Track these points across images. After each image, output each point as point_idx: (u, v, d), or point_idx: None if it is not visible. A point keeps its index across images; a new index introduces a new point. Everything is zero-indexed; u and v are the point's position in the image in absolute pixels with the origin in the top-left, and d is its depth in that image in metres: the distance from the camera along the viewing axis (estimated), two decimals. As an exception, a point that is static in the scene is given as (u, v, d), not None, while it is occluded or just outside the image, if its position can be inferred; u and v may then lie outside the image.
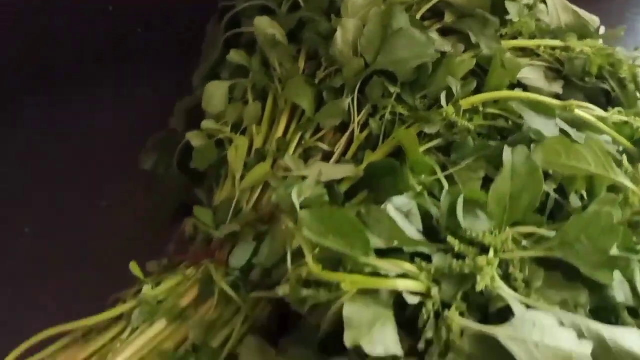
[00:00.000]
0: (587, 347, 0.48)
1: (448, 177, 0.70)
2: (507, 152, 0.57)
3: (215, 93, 0.79)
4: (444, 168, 0.73)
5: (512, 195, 0.56)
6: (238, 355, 0.67)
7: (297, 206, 0.56)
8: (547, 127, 0.70)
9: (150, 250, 0.78)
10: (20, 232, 0.92)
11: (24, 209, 0.93)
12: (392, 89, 0.74)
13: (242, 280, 0.69)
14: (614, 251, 0.53)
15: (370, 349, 0.49)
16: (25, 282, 0.86)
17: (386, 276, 0.52)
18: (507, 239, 0.56)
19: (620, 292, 0.55)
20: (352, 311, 0.51)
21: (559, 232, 0.54)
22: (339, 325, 0.57)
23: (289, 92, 0.75)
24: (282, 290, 0.55)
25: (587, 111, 0.75)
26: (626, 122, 0.73)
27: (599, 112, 0.73)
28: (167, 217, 0.90)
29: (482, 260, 0.53)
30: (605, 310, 0.55)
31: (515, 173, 0.57)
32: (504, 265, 0.56)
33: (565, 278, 0.57)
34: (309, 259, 0.55)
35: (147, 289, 0.68)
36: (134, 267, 0.72)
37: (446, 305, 0.53)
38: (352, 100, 0.74)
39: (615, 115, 0.73)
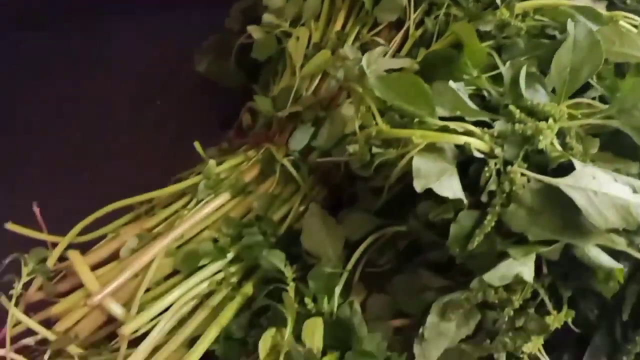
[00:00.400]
0: (642, 198, 0.52)
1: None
2: (570, 24, 0.60)
3: (275, -12, 0.82)
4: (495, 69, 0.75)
5: (572, 67, 0.59)
6: (296, 230, 0.71)
7: (367, 72, 0.59)
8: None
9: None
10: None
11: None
12: (449, -11, 0.76)
13: (301, 162, 0.73)
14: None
15: (439, 190, 0.53)
16: (81, 169, 0.90)
17: (454, 131, 0.55)
18: (565, 109, 0.59)
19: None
20: (421, 162, 0.55)
21: (616, 99, 0.57)
22: (403, 183, 0.61)
23: (348, -15, 0.78)
24: (352, 148, 0.59)
25: (631, 22, 0.77)
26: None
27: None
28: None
29: (542, 124, 0.56)
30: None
31: (577, 45, 0.59)
32: (560, 137, 0.60)
33: (618, 153, 0.60)
34: (378, 119, 0.58)
35: (211, 163, 0.71)
36: (197, 146, 0.75)
37: (507, 164, 0.56)
38: (409, -3, 0.77)
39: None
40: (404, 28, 0.78)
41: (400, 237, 0.67)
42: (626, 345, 0.58)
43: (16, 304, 0.64)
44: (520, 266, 0.52)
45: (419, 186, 0.53)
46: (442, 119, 0.59)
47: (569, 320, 0.59)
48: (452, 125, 0.57)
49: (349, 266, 0.65)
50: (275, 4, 0.81)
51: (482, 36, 0.77)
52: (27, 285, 0.66)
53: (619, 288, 0.57)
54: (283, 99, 0.75)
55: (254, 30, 0.80)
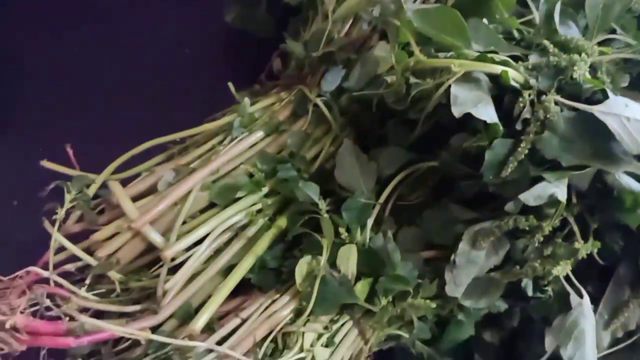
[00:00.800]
0: (673, 126, 0.54)
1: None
2: (603, -38, 0.62)
3: None
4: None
5: (604, 3, 0.61)
6: (327, 169, 0.73)
7: (405, 5, 0.61)
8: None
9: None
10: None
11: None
12: None
13: (332, 103, 0.75)
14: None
15: (477, 114, 0.55)
16: (113, 113, 0.93)
17: (492, 60, 0.57)
18: (596, 46, 0.60)
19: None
20: (458, 90, 0.57)
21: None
22: (437, 117, 0.63)
23: None
24: (390, 79, 0.60)
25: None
26: None
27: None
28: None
29: (576, 56, 0.58)
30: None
31: (610, -17, 0.61)
32: (592, 72, 0.61)
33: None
34: (416, 50, 0.60)
35: (246, 101, 0.73)
36: (231, 86, 0.77)
37: (541, 94, 0.58)
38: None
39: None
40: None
41: (432, 172, 0.69)
42: (650, 274, 0.60)
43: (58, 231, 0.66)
44: (554, 188, 0.53)
45: (457, 112, 0.55)
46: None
47: (594, 252, 0.61)
48: (489, 55, 0.58)
49: (382, 199, 0.67)
50: (307, -49, 0.82)
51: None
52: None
53: None
54: (315, 42, 0.77)
55: (285, -24, 0.82)
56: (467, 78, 0.58)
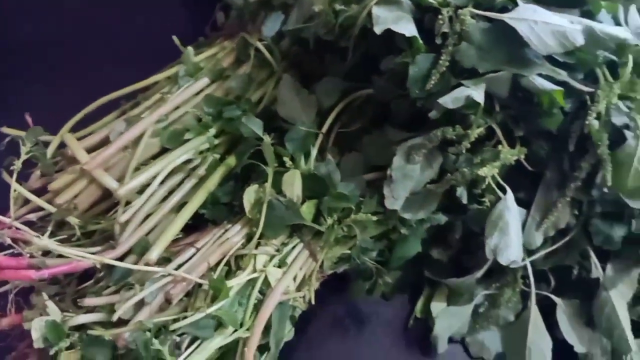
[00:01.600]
0: (578, 27, 0.58)
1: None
2: None
3: None
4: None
5: None
6: (272, 110, 0.76)
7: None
8: None
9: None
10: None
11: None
12: None
13: (274, 47, 0.78)
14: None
15: (397, 29, 0.58)
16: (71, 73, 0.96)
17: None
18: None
19: None
20: (380, 11, 0.60)
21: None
22: (366, 45, 0.66)
23: None
24: (318, 7, 0.64)
25: None
26: None
27: None
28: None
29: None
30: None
31: None
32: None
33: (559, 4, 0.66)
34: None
35: (189, 49, 0.76)
36: (175, 40, 0.80)
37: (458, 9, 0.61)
38: None
39: None
40: None
41: (370, 101, 0.72)
42: (573, 174, 0.64)
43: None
44: (471, 91, 0.57)
45: (378, 29, 0.59)
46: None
47: (522, 159, 0.65)
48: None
49: (324, 129, 0.71)
50: None
51: None
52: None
53: (563, 122, 0.64)
54: (253, -9, 0.80)
55: None
56: (389, 1, 0.62)
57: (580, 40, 0.57)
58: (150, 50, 0.95)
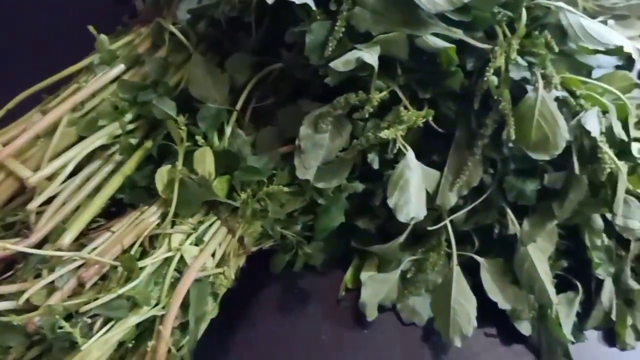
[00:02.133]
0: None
1: None
2: None
3: None
4: None
5: None
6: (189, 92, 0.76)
7: None
8: None
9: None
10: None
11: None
12: None
13: (189, 30, 0.78)
14: None
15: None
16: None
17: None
18: None
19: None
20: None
21: None
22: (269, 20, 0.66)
23: None
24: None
25: None
26: None
27: None
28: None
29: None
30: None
31: None
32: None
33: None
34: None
35: (102, 37, 0.76)
36: (92, 29, 0.80)
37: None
38: None
39: None
40: None
41: (284, 77, 0.73)
42: (480, 131, 0.65)
43: None
44: (362, 53, 0.58)
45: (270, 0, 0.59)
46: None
47: (432, 120, 0.66)
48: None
49: (238, 106, 0.71)
50: None
51: None
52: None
53: (468, 81, 0.64)
54: (167, -25, 0.80)
55: None
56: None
57: (466, -4, 0.58)
58: (73, 43, 0.95)
